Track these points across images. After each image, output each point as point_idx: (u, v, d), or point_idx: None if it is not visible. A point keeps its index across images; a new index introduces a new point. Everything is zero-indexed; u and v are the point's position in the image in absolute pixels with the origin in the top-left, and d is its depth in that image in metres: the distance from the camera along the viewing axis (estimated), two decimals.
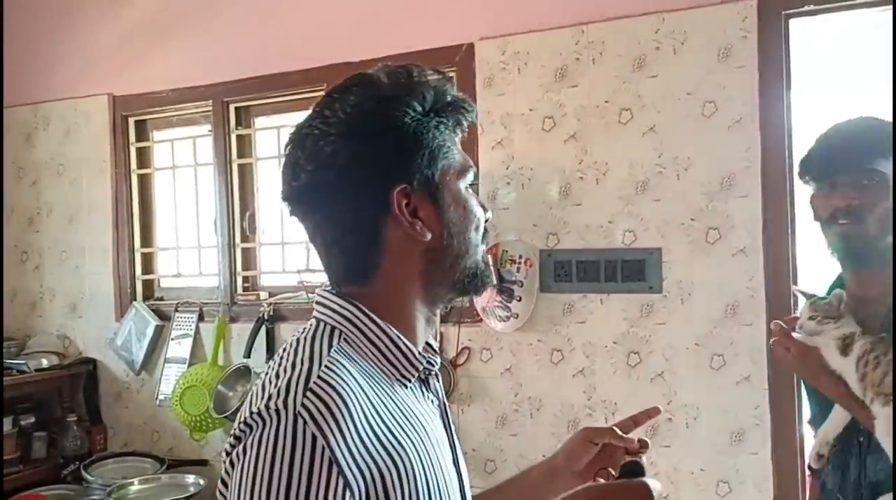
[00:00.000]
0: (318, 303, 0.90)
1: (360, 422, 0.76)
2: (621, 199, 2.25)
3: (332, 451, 0.72)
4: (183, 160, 3.07)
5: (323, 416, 0.74)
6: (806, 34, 2.11)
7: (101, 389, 3.12)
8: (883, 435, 1.28)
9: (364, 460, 0.75)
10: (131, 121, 3.09)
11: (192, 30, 2.91)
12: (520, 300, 2.34)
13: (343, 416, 0.75)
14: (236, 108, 2.90)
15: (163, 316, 2.98)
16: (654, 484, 0.81)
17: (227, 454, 0.78)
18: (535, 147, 2.35)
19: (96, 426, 3.08)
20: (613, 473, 1.00)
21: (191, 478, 2.71)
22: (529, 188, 2.36)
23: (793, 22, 2.06)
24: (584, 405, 2.30)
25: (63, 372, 3.03)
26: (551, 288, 2.34)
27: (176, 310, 2.94)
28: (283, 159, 0.91)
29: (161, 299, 3.09)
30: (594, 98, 2.27)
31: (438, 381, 0.98)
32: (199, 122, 2.99)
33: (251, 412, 0.76)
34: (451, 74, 2.43)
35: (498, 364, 2.42)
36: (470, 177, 0.92)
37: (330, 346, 0.83)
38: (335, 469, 0.72)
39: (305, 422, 0.73)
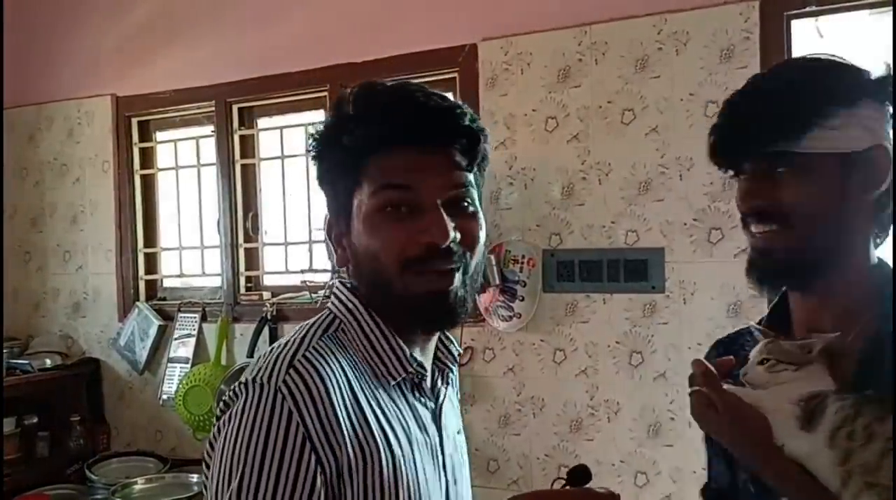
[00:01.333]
0: (332, 294, 0.94)
1: (338, 405, 0.79)
2: (624, 199, 2.25)
3: (306, 428, 0.76)
4: (186, 160, 3.07)
5: (301, 393, 0.77)
6: (808, 35, 2.11)
7: (104, 389, 3.13)
8: None
9: (337, 441, 0.78)
10: (134, 121, 3.09)
11: (194, 30, 2.92)
12: (522, 300, 2.34)
13: (321, 396, 0.78)
14: (239, 108, 2.90)
15: (166, 316, 2.99)
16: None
17: (218, 418, 0.82)
18: (537, 147, 2.35)
19: (99, 425, 3.09)
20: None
21: (194, 477, 2.71)
22: (532, 188, 2.37)
23: (794, 23, 2.06)
24: (586, 405, 2.31)
25: (66, 372, 3.04)
26: (554, 288, 2.34)
27: (179, 310, 2.95)
28: None
29: (164, 299, 3.10)
30: (597, 98, 2.27)
31: (448, 386, 0.98)
32: (202, 122, 3.00)
33: (241, 382, 0.81)
34: (454, 75, 2.46)
35: (501, 364, 2.42)
36: (388, 195, 0.83)
37: (325, 331, 0.87)
38: (308, 446, 0.76)
39: (284, 398, 0.76)
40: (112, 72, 3.09)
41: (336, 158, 0.87)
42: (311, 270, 2.69)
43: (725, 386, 0.92)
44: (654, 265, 2.23)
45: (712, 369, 0.93)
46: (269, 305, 2.74)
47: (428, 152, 0.84)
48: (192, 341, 2.90)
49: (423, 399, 0.93)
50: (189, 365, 2.86)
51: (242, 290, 2.91)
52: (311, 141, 0.90)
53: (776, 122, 0.90)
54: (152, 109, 3.04)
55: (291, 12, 2.74)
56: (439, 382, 0.97)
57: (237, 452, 0.76)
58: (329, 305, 0.93)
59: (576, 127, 2.30)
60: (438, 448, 0.93)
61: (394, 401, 0.87)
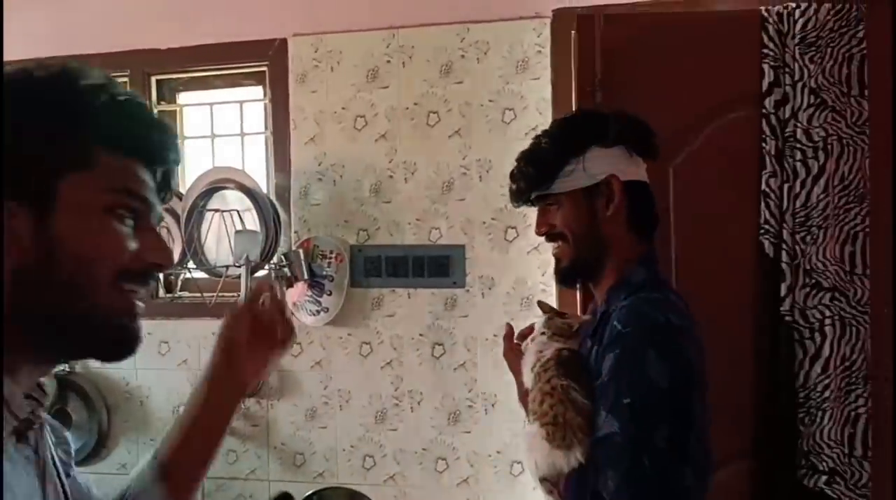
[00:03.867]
0: None
1: None
2: (428, 197, 2.35)
3: None
4: None
5: None
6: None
7: None
8: (524, 449, 1.32)
9: None
10: None
11: None
12: (330, 295, 2.38)
13: None
14: None
15: None
16: None
17: None
18: (346, 145, 2.40)
19: None
20: None
21: None
22: (341, 185, 2.41)
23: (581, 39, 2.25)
24: (391, 396, 2.39)
25: None
26: (361, 283, 2.40)
27: None
28: None
29: None
30: (404, 100, 2.36)
31: (43, 435, 0.77)
32: None
33: None
34: (264, 69, 2.43)
35: (308, 358, 2.44)
36: (123, 199, 0.73)
37: None
38: None
39: None
40: None
41: (55, 137, 0.70)
42: None
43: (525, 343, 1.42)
44: (455, 261, 2.34)
45: (512, 331, 1.49)
46: None
47: (152, 170, 0.77)
48: None
49: (26, 450, 0.73)
50: None
51: None
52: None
53: (536, 177, 1.34)
54: None
55: None
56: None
57: None
58: None
59: (383, 126, 2.37)
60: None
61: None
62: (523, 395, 1.39)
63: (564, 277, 1.40)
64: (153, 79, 2.60)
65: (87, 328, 0.71)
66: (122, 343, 0.73)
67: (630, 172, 1.33)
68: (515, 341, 1.47)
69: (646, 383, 1.13)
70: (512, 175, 1.39)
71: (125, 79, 2.58)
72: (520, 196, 1.38)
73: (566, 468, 1.21)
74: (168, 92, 2.64)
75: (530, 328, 1.44)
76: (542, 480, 1.26)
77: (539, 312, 1.46)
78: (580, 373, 1.25)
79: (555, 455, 1.21)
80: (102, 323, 0.72)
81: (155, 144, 0.76)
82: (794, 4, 1.92)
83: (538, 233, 1.39)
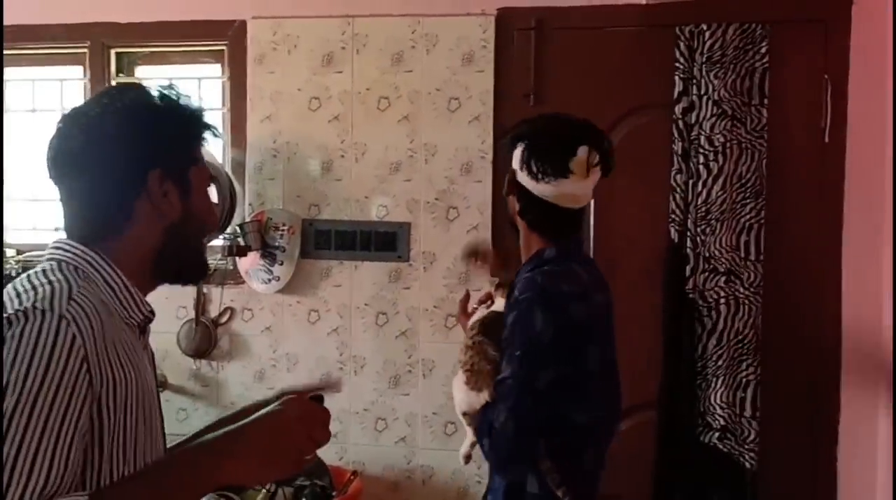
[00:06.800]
0: (57, 248, 1.04)
1: (108, 335, 0.95)
2: (377, 177, 2.53)
3: (86, 350, 0.90)
4: None
5: (83, 321, 0.92)
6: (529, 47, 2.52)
7: None
8: (453, 390, 1.57)
9: (104, 367, 0.93)
10: None
11: None
12: (282, 264, 2.54)
13: (98, 325, 0.94)
14: None
15: None
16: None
17: None
18: (301, 124, 2.55)
19: None
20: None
21: None
22: (295, 162, 2.56)
23: (521, 37, 2.45)
24: (336, 360, 2.57)
25: None
26: (311, 254, 2.56)
27: None
28: (56, 130, 1.05)
29: None
30: (356, 85, 2.52)
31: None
32: None
33: (15, 310, 0.90)
34: (223, 48, 2.56)
35: (259, 323, 2.60)
36: (213, 186, 1.18)
37: (78, 276, 0.99)
38: (85, 366, 0.90)
39: (68, 323, 0.90)
40: None
41: (185, 144, 1.10)
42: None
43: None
44: (401, 238, 2.53)
45: (468, 295, 1.75)
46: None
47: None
48: None
49: (144, 343, 1.09)
50: None
51: None
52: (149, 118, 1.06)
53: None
54: None
55: None
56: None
57: (17, 371, 0.86)
58: (57, 256, 1.02)
59: (336, 109, 2.53)
60: (154, 386, 1.12)
61: (133, 343, 1.03)
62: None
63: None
64: (112, 51, 2.68)
65: (197, 263, 1.15)
66: (205, 272, 1.17)
67: (524, 179, 1.52)
68: (473, 306, 1.71)
69: (532, 337, 1.42)
70: None
71: (84, 50, 2.66)
72: None
73: (478, 406, 1.50)
74: (127, 65, 2.72)
75: (487, 295, 1.70)
76: (464, 414, 1.55)
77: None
78: (497, 332, 1.51)
79: (470, 396, 1.51)
80: (203, 259, 1.16)
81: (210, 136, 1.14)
82: (704, 26, 2.17)
83: None
